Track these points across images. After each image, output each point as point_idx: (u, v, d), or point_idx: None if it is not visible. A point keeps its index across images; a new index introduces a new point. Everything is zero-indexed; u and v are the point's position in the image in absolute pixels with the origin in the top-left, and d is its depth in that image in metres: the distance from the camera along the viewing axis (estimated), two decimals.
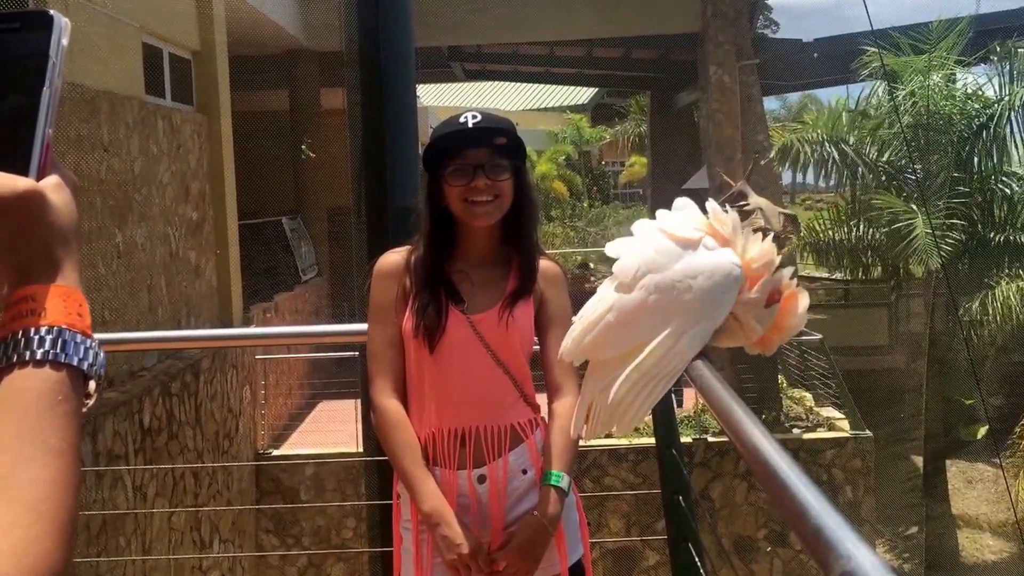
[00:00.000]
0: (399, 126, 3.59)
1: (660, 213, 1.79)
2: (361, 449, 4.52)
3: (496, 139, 2.29)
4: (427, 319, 2.30)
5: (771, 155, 14.41)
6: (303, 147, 15.80)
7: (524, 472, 2.35)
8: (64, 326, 0.73)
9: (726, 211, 1.76)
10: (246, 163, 13.37)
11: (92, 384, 0.75)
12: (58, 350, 0.72)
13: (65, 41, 0.78)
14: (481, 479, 2.33)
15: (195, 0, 10.85)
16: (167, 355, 9.34)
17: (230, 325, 11.33)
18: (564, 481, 2.30)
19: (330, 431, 12.05)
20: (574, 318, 1.83)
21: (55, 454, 0.69)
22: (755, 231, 1.80)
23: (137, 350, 7.48)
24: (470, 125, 2.27)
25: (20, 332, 0.71)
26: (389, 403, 2.33)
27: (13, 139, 0.75)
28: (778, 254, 1.74)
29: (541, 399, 2.44)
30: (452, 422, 2.32)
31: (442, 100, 33.48)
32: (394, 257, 2.41)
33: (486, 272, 2.38)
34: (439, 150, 2.31)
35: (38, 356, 0.71)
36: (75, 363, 0.72)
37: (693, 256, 1.68)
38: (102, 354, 0.76)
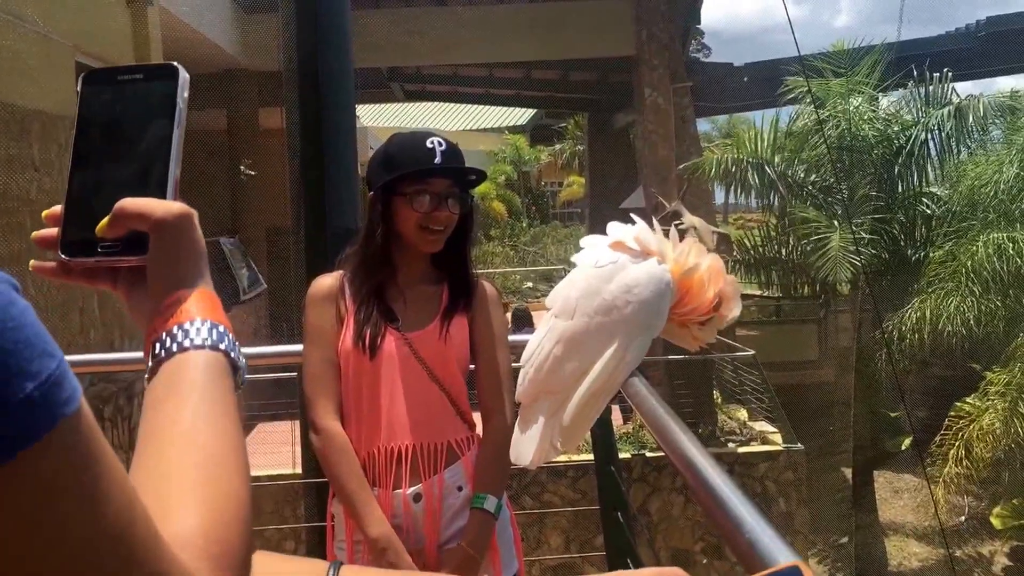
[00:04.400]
0: (338, 146, 3.58)
1: (585, 240, 1.86)
2: (299, 471, 4.50)
3: (465, 175, 2.35)
4: (364, 339, 2.32)
5: (703, 174, 14.69)
6: (241, 167, 15.67)
7: (459, 489, 2.37)
8: (213, 321, 0.82)
9: (653, 229, 1.82)
10: (183, 182, 13.23)
11: (238, 376, 0.83)
12: (214, 338, 0.81)
13: (187, 92, 0.89)
14: (416, 497, 2.34)
15: (130, 18, 10.67)
16: (99, 378, 8.99)
17: None
18: (491, 504, 2.33)
19: (268, 453, 11.83)
20: (521, 360, 1.85)
21: (230, 417, 0.78)
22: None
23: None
24: (438, 154, 2.29)
25: (180, 326, 0.81)
26: (332, 425, 2.33)
27: (150, 173, 0.86)
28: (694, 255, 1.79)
29: (477, 417, 2.47)
30: (389, 441, 2.34)
31: (381, 120, 33.45)
32: (328, 281, 2.43)
33: (419, 289, 2.41)
34: (399, 169, 2.31)
35: (197, 342, 0.80)
36: (227, 351, 0.82)
37: (624, 272, 1.73)
38: (240, 351, 0.85)
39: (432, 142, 2.31)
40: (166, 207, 0.84)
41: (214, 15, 13.95)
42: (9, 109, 7.77)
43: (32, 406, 0.53)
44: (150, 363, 0.81)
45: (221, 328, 0.82)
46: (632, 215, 1.85)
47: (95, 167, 0.88)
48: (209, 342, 0.80)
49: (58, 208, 0.88)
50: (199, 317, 0.81)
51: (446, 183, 2.31)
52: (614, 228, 1.82)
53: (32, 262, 0.90)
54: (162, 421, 0.76)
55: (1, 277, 0.55)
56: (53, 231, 0.87)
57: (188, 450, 0.73)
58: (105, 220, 0.83)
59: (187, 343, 0.80)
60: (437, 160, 2.30)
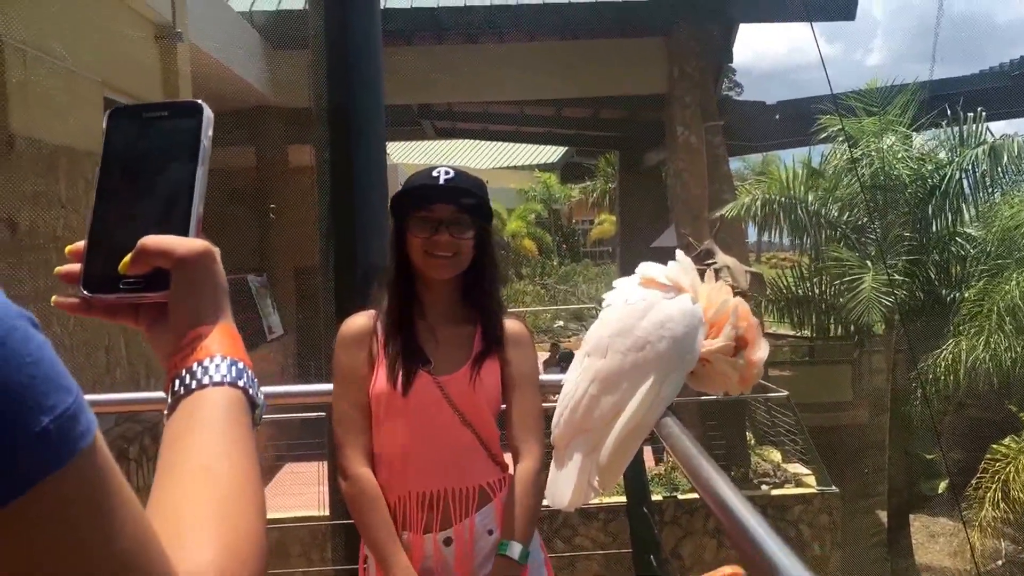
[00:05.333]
0: (369, 184, 3.58)
1: (617, 281, 1.88)
2: (327, 512, 4.43)
3: (463, 198, 2.31)
4: (396, 380, 2.29)
5: (736, 212, 14.58)
6: (270, 205, 15.69)
7: (490, 532, 2.34)
8: (233, 357, 0.84)
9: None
10: (211, 220, 13.18)
11: (256, 412, 0.85)
12: (233, 375, 0.82)
13: (211, 131, 0.91)
14: (447, 541, 2.31)
15: (159, 54, 10.69)
16: (124, 418, 8.98)
17: None
18: (516, 550, 2.28)
19: (295, 494, 11.77)
20: (557, 403, 1.82)
21: (247, 454, 0.79)
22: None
23: (95, 413, 7.25)
24: (441, 180, 2.30)
25: (199, 363, 0.82)
26: (362, 472, 2.31)
27: (173, 210, 0.88)
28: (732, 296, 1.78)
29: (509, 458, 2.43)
30: (420, 485, 2.31)
31: (412, 158, 33.65)
32: (360, 321, 2.41)
33: (451, 330, 2.38)
34: (407, 200, 2.34)
35: (216, 379, 0.81)
36: (246, 388, 0.83)
37: (656, 309, 1.74)
38: (260, 388, 0.87)
39: (439, 171, 2.33)
40: (189, 244, 0.86)
41: (244, 51, 13.98)
42: (36, 145, 7.78)
43: (48, 440, 0.54)
44: (170, 399, 0.82)
45: (241, 365, 0.84)
46: (678, 252, 1.89)
47: (119, 203, 0.89)
48: (228, 379, 0.82)
49: (81, 244, 0.89)
50: (219, 354, 0.83)
51: (449, 209, 2.30)
52: (645, 267, 1.84)
53: (54, 297, 0.90)
54: (181, 456, 0.77)
55: (19, 313, 0.56)
56: (76, 267, 0.88)
57: (205, 486, 0.75)
58: (128, 257, 0.85)
59: (206, 380, 0.81)
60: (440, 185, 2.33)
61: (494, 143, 36.23)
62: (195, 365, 0.82)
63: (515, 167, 38.80)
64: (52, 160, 8.09)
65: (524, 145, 36.13)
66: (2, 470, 0.53)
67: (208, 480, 0.75)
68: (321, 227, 3.65)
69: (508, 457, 2.43)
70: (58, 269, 0.89)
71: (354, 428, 2.33)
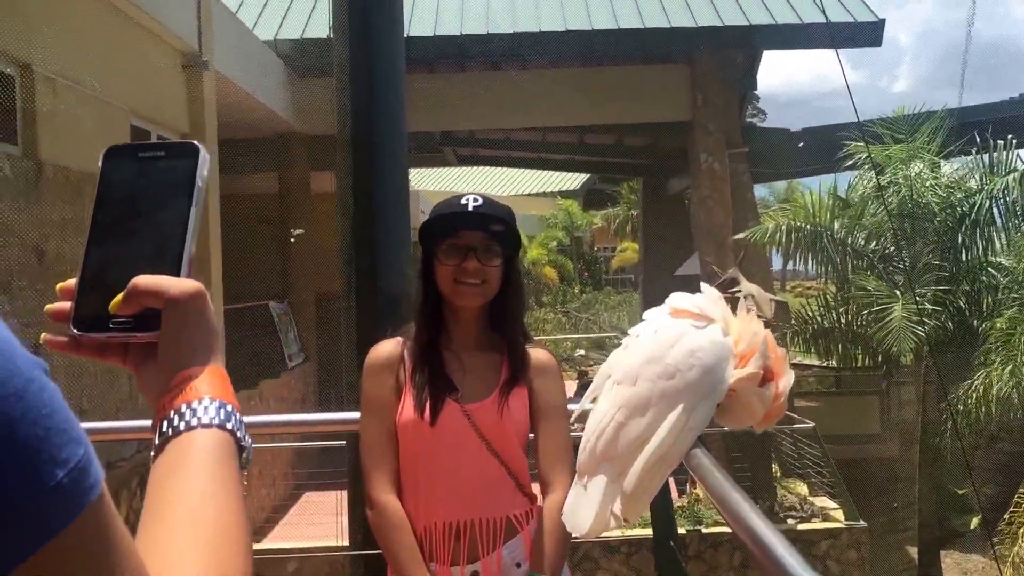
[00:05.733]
0: (391, 210, 3.58)
1: (648, 312, 1.87)
2: (347, 543, 4.38)
3: (493, 225, 2.30)
4: (424, 408, 2.27)
5: (760, 239, 14.44)
6: (292, 230, 15.72)
7: (518, 566, 2.30)
8: (222, 400, 0.84)
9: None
10: (234, 246, 13.27)
11: (244, 456, 0.85)
12: (222, 418, 0.82)
13: (206, 171, 0.91)
14: (475, 575, 2.28)
15: (185, 83, 10.83)
16: (146, 445, 8.95)
17: None
18: None
19: (315, 523, 11.71)
20: (585, 432, 1.79)
21: (234, 497, 0.79)
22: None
23: (116, 440, 7.25)
24: (470, 207, 2.29)
25: (188, 404, 0.82)
26: (389, 500, 2.29)
27: (166, 250, 0.87)
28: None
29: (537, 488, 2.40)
30: (447, 515, 2.28)
31: (433, 184, 33.74)
32: (387, 348, 2.39)
33: (478, 358, 2.37)
34: (436, 227, 2.33)
35: (204, 421, 0.81)
36: (234, 431, 0.83)
37: (687, 338, 1.73)
38: (247, 432, 0.87)
39: (467, 198, 2.33)
40: (181, 285, 0.86)
41: (268, 79, 14.11)
42: (64, 172, 7.84)
43: (62, 493, 0.55)
44: (157, 439, 0.82)
45: (229, 408, 0.84)
46: (703, 284, 1.88)
47: (112, 242, 0.88)
48: (217, 421, 0.82)
49: (72, 281, 0.88)
50: (208, 396, 0.83)
51: (478, 236, 2.30)
52: (675, 297, 1.84)
53: (44, 336, 0.89)
54: (169, 498, 0.77)
55: (36, 362, 0.57)
56: (66, 305, 0.88)
57: (193, 528, 0.75)
58: (119, 296, 0.85)
59: (195, 421, 0.81)
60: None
61: (516, 170, 36.28)
62: (184, 406, 0.82)
63: (536, 194, 38.87)
64: (79, 187, 8.15)
65: (545, 172, 36.15)
66: (21, 526, 0.54)
67: (195, 522, 0.75)
68: (343, 254, 3.65)
69: (537, 488, 2.40)
70: (48, 307, 0.89)
71: (380, 456, 2.32)
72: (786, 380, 1.77)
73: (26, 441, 0.54)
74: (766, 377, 1.74)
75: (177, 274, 0.87)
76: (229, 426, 0.83)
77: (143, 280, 0.84)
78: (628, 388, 1.74)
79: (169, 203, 0.89)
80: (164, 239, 0.88)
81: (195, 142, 0.91)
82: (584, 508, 1.73)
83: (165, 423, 0.82)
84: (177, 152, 0.91)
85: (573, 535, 1.79)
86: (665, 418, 1.69)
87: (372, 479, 2.31)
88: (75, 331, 0.87)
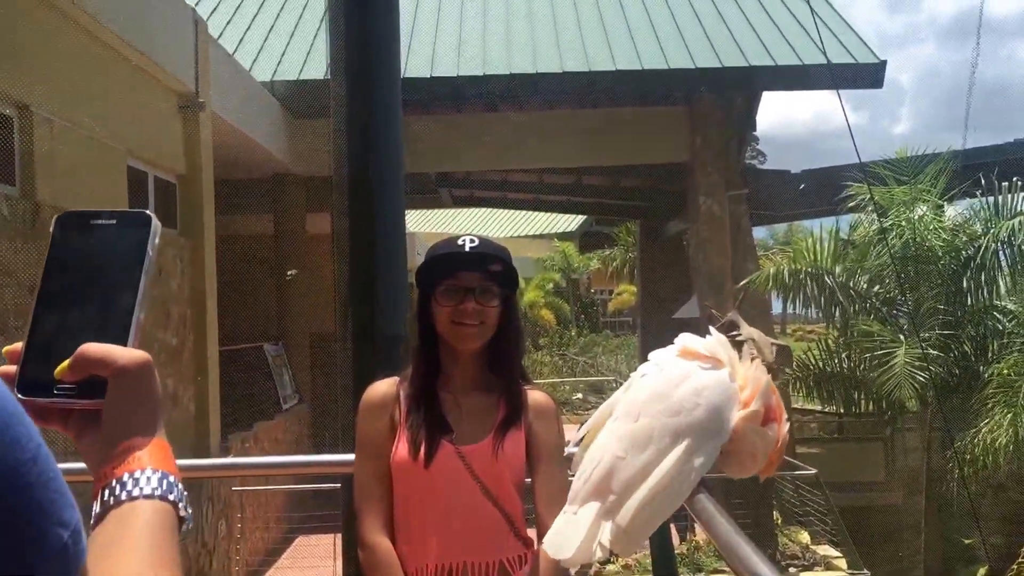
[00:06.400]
0: (388, 252, 3.58)
1: (653, 354, 1.86)
2: None
3: (491, 266, 2.30)
4: (419, 450, 2.26)
5: (761, 283, 14.31)
6: (288, 273, 15.67)
7: None
8: (165, 471, 0.85)
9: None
10: (229, 288, 13.17)
11: (183, 525, 0.85)
12: (164, 489, 0.83)
13: (158, 239, 0.92)
14: None
15: (182, 124, 10.81)
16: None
17: (207, 455, 10.91)
18: None
19: (308, 567, 11.60)
20: (582, 466, 1.76)
21: (172, 568, 0.79)
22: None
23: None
24: (467, 248, 2.30)
25: (131, 474, 0.83)
26: (380, 541, 2.28)
27: (114, 318, 0.88)
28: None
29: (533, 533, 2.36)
30: (439, 558, 2.26)
31: (429, 226, 33.69)
32: (382, 388, 2.38)
33: (475, 399, 2.35)
34: (433, 269, 2.33)
35: (147, 491, 0.82)
36: (175, 502, 0.84)
37: (694, 377, 1.73)
38: (189, 503, 0.87)
39: (464, 239, 2.34)
40: (129, 355, 0.86)
41: (265, 120, 14.12)
42: (59, 213, 7.69)
43: (67, 555, 0.58)
44: (98, 508, 0.82)
45: (172, 478, 0.85)
46: (712, 329, 1.88)
47: (61, 308, 0.89)
48: (159, 492, 0.83)
49: (19, 345, 0.89)
50: (150, 466, 0.84)
51: (476, 277, 2.30)
52: (684, 338, 1.84)
53: None
54: (109, 568, 0.77)
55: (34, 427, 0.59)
56: (11, 368, 0.88)
57: None
58: (66, 363, 0.85)
59: (137, 492, 0.82)
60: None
61: (512, 212, 36.29)
62: (127, 476, 0.83)
63: (533, 236, 38.85)
64: None
65: (542, 214, 36.14)
66: None
67: None
68: (339, 295, 3.66)
69: (534, 533, 2.35)
70: None
71: (373, 497, 2.31)
72: (784, 428, 1.78)
73: (40, 505, 0.56)
74: (768, 417, 1.74)
75: (125, 343, 0.87)
76: (171, 497, 0.83)
77: (91, 348, 0.85)
78: (630, 423, 1.73)
79: (120, 272, 0.90)
80: (113, 307, 0.89)
81: (148, 212, 0.92)
82: (571, 534, 1.69)
83: (107, 492, 0.82)
84: (130, 221, 0.92)
85: (553, 558, 1.73)
86: (666, 455, 1.67)
87: (364, 519, 2.30)
88: (19, 395, 0.86)
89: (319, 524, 11.20)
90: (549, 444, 2.35)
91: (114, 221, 0.92)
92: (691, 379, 1.73)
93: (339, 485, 3.76)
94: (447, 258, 2.31)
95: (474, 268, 2.30)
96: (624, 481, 1.67)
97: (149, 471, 0.83)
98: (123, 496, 0.82)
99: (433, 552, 2.26)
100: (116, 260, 0.90)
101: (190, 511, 0.87)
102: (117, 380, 0.85)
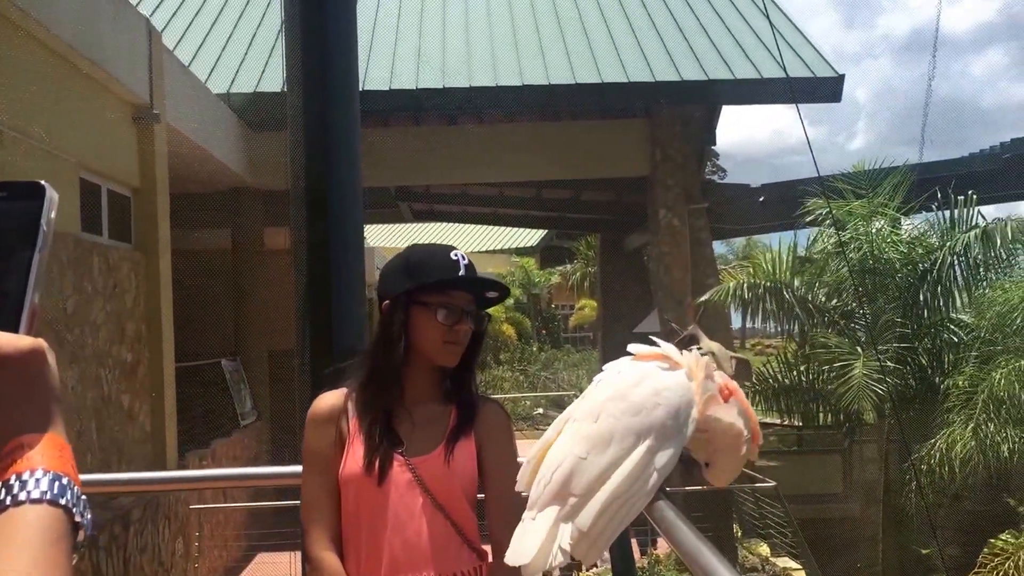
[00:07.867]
0: (346, 266, 3.52)
1: (608, 364, 1.84)
2: None
3: (489, 292, 2.32)
4: (372, 465, 2.21)
5: (721, 298, 14.35)
6: (244, 287, 15.54)
7: None
8: (58, 472, 0.77)
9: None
10: (185, 303, 13.00)
11: (80, 533, 0.77)
12: (55, 492, 0.75)
13: (53, 214, 0.83)
14: None
15: (136, 135, 10.66)
16: (94, 505, 8.68)
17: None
18: None
19: None
20: (540, 471, 1.72)
21: None
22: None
23: None
24: (461, 267, 2.26)
25: (18, 476, 0.75)
26: (325, 555, 2.23)
27: (3, 301, 0.80)
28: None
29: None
30: (390, 572, 2.21)
31: (389, 240, 33.50)
32: (329, 400, 2.33)
33: (425, 409, 2.31)
34: (424, 277, 2.26)
35: (35, 496, 0.74)
36: (69, 507, 0.76)
37: (653, 377, 1.72)
38: (88, 509, 0.79)
39: (456, 254, 2.30)
40: (16, 342, 0.79)
41: (221, 133, 13.99)
42: None
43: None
44: None
45: (65, 480, 0.77)
46: (659, 341, 1.86)
47: None
48: (49, 496, 0.75)
49: None
50: (41, 467, 0.77)
51: (468, 298, 2.28)
52: (636, 347, 1.83)
53: None
54: None
55: None
56: None
57: None
58: None
59: (23, 496, 0.75)
60: (461, 273, 2.27)
61: (472, 226, 36.25)
62: (13, 478, 0.76)
63: (493, 251, 38.80)
64: None
65: (502, 229, 36.14)
66: None
67: None
68: (297, 310, 3.59)
69: (489, 548, 2.32)
70: None
71: (320, 511, 2.26)
72: (743, 396, 1.77)
73: None
74: (725, 395, 1.73)
75: (15, 329, 0.80)
76: (63, 502, 0.76)
77: None
78: (589, 424, 1.69)
79: (8, 249, 0.81)
80: (1, 289, 0.80)
81: (42, 182, 0.83)
82: (529, 539, 1.64)
83: None
84: (20, 193, 0.83)
85: (512, 565, 1.67)
86: (628, 456, 1.65)
87: (311, 535, 2.25)
88: None
89: (280, 541, 11.08)
90: (500, 456, 2.31)
91: (4, 193, 0.83)
92: (650, 379, 1.72)
93: (299, 502, 3.71)
94: (443, 272, 2.25)
95: (468, 288, 2.29)
96: (586, 482, 1.64)
97: (39, 472, 0.76)
98: (7, 501, 0.74)
99: (384, 567, 2.21)
100: (5, 236, 0.81)
101: (88, 516, 0.79)
102: (3, 370, 0.78)
